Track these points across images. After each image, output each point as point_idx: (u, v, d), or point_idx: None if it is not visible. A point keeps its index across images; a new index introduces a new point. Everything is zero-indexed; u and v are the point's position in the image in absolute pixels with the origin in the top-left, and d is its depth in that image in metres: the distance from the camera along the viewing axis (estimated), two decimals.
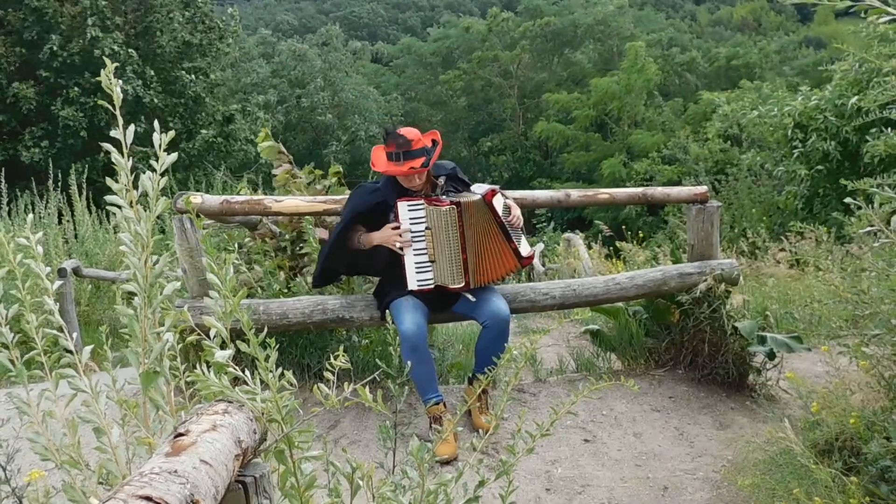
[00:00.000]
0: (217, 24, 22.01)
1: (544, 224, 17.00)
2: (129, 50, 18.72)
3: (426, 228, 3.67)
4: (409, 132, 3.67)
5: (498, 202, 3.76)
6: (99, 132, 17.97)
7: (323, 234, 4.46)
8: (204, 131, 19.76)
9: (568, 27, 37.95)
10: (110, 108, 1.58)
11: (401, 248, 3.68)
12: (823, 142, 9.72)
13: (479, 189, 3.81)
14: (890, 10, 1.92)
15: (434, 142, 3.73)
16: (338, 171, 4.80)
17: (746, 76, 32.28)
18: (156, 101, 19.03)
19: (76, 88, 18.14)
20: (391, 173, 3.69)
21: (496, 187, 3.85)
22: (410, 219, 3.67)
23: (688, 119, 27.75)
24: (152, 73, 19.47)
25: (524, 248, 3.85)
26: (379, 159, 3.71)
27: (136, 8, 20.19)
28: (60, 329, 1.67)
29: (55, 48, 18.03)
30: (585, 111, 31.30)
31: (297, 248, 4.53)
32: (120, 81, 1.60)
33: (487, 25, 38.98)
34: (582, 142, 31.95)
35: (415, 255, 3.70)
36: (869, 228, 2.98)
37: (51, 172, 9.35)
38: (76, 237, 8.77)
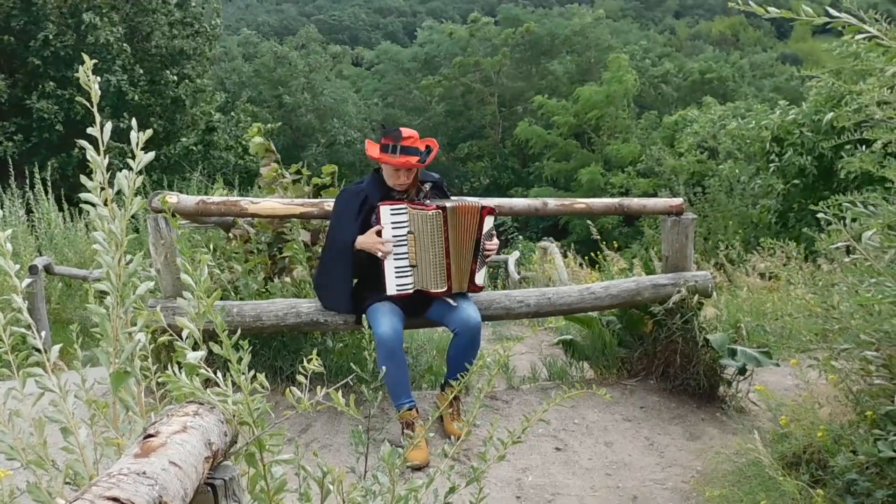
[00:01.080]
0: (206, 28, 21.89)
1: (514, 234, 17.03)
2: (124, 45, 18.56)
3: (408, 233, 3.67)
4: (407, 131, 3.70)
5: (488, 222, 3.79)
6: (75, 126, 17.77)
7: (307, 236, 4.44)
8: (184, 139, 19.60)
9: (545, 36, 38.17)
10: (87, 104, 1.57)
11: (383, 256, 3.67)
12: (800, 156, 9.83)
13: (478, 201, 3.85)
14: (866, 27, 1.95)
15: (428, 147, 3.75)
16: (332, 171, 4.78)
17: (720, 91, 32.65)
18: (137, 98, 18.84)
19: (51, 83, 17.93)
20: (384, 162, 3.71)
21: (494, 208, 3.89)
22: (392, 223, 3.67)
23: (662, 132, 27.95)
24: (141, 71, 19.31)
25: (479, 277, 3.88)
26: (372, 148, 3.73)
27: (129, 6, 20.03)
28: (28, 327, 1.65)
29: (50, 37, 17.82)
30: (567, 118, 31.45)
31: (275, 250, 4.50)
32: (98, 78, 1.59)
33: (469, 30, 39.08)
34: (561, 148, 32.07)
35: (395, 259, 3.69)
36: (840, 244, 3.02)
37: (12, 169, 9.23)
38: (45, 234, 8.67)
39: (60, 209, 8.97)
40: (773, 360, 4.19)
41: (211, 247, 4.47)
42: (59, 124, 17.80)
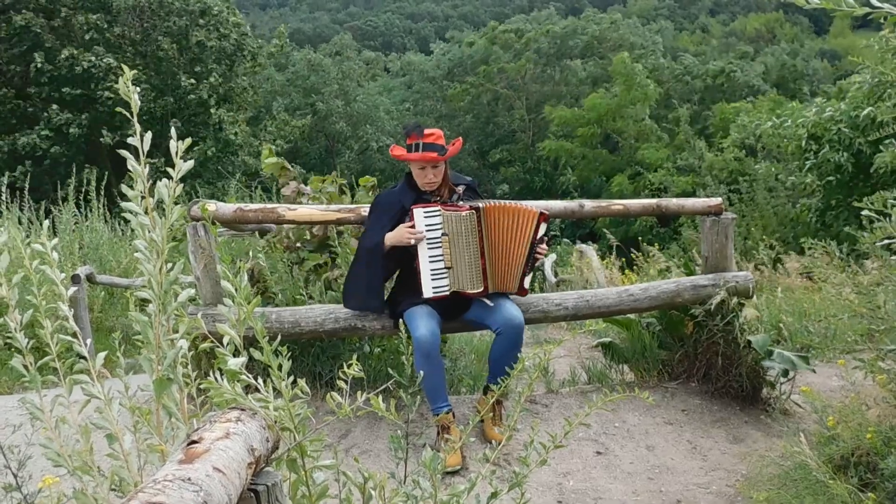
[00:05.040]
0: (229, 32, 22.05)
1: (557, 235, 16.97)
2: (107, 59, 18.75)
3: (443, 235, 3.67)
4: (429, 129, 3.75)
5: (542, 228, 3.78)
6: (75, 145, 18.14)
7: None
8: (199, 146, 19.72)
9: (563, 40, 38.19)
10: (128, 115, 1.59)
11: (415, 242, 3.68)
12: (836, 153, 9.68)
13: (535, 205, 3.86)
14: None
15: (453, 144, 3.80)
16: (374, 185, 4.81)
17: (740, 92, 32.49)
18: (142, 104, 18.94)
19: (55, 106, 18.28)
20: (406, 158, 3.74)
21: (549, 215, 3.89)
22: (427, 225, 3.68)
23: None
24: (145, 77, 19.51)
25: (526, 281, 3.89)
26: (397, 149, 3.80)
27: (142, 14, 20.28)
28: (74, 335, 1.68)
29: (39, 65, 18.21)
30: (590, 129, 31.35)
31: (324, 256, 4.53)
32: (137, 89, 1.61)
33: (490, 39, 39.28)
34: (589, 159, 31.96)
35: (430, 261, 3.69)
36: (885, 241, 2.95)
37: (73, 178, 9.35)
38: (90, 243, 8.77)
39: (105, 220, 9.08)
40: (809, 366, 4.11)
41: (251, 253, 4.51)
42: (56, 146, 18.08)
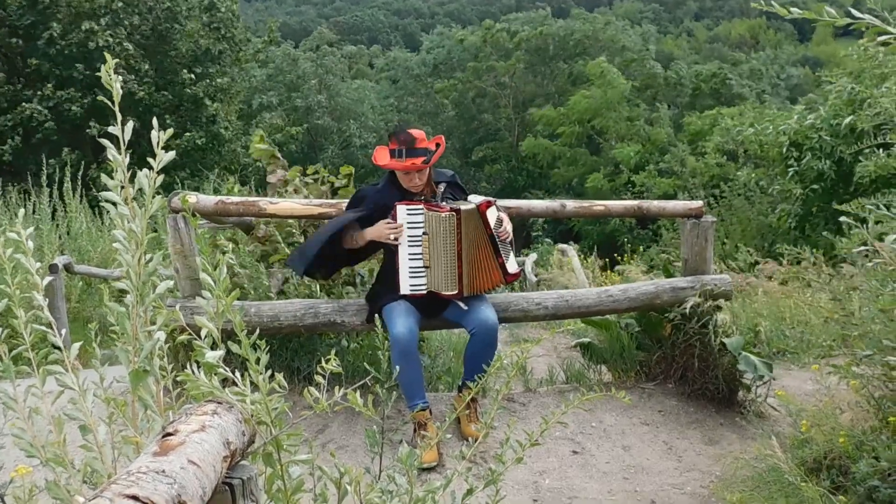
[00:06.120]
0: (234, 34, 21.88)
1: (539, 234, 17.00)
2: (126, 44, 18.56)
3: (423, 234, 3.67)
4: (414, 132, 3.70)
5: (491, 214, 3.76)
6: (69, 126, 17.96)
7: None
8: (188, 133, 19.53)
9: (556, 40, 38.31)
10: (109, 104, 1.58)
11: (395, 239, 3.67)
12: (818, 161, 9.74)
13: (474, 199, 3.82)
14: (889, 28, 1.92)
15: (437, 145, 3.76)
16: (349, 173, 4.79)
17: (727, 96, 32.82)
18: (145, 96, 18.75)
19: (50, 85, 18.05)
20: (391, 167, 3.72)
21: (492, 199, 3.86)
22: (409, 223, 3.67)
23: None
24: (147, 67, 19.33)
25: (511, 265, 3.85)
26: (381, 155, 3.74)
27: (152, 8, 20.07)
28: (49, 325, 1.66)
29: (54, 35, 17.95)
30: (571, 128, 31.53)
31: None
32: (120, 78, 1.59)
33: (482, 37, 39.28)
34: (569, 157, 32.14)
35: (409, 259, 3.69)
36: (862, 248, 2.99)
37: (44, 168, 9.25)
38: (68, 233, 8.70)
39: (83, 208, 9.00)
40: (771, 373, 4.14)
41: (230, 246, 4.49)
42: (50, 121, 17.85)
